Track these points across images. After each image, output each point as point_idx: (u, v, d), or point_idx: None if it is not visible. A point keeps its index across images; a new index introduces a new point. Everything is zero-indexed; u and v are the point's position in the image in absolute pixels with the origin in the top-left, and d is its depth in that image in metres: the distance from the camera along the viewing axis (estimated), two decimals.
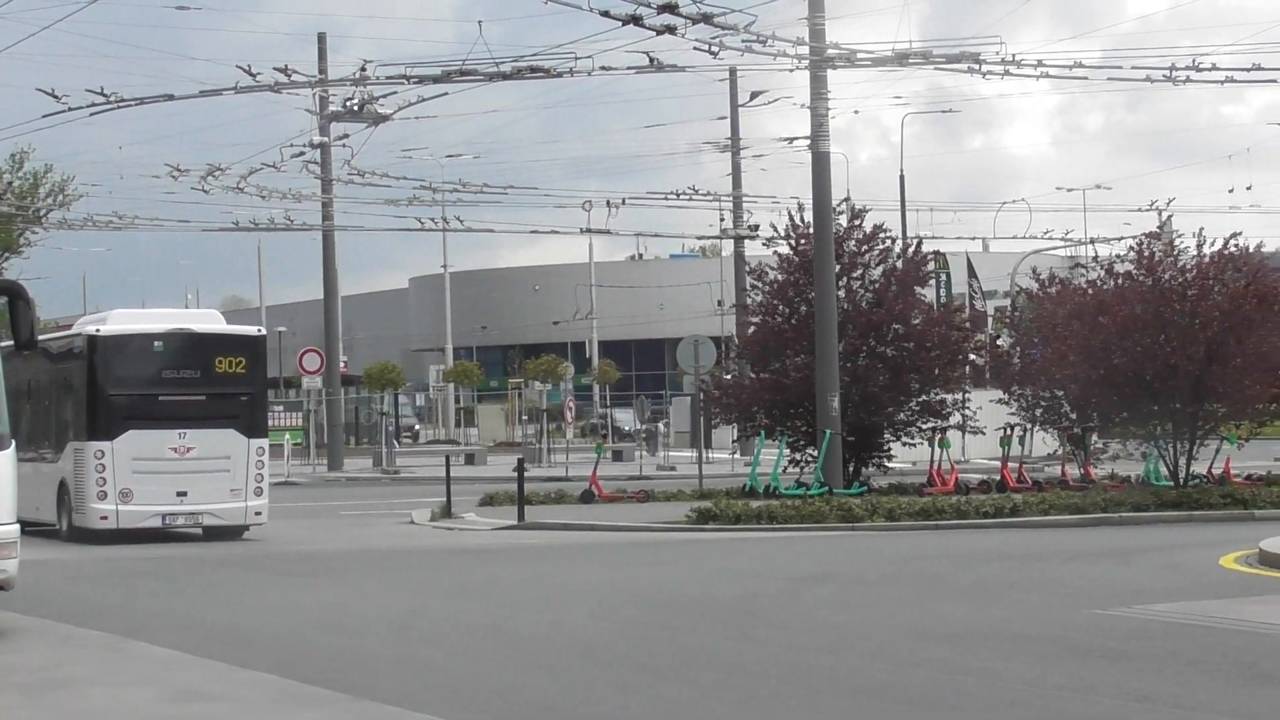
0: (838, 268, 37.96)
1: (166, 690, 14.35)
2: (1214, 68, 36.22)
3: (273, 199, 53.93)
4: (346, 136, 51.09)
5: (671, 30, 31.68)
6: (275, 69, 38.97)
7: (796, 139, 52.32)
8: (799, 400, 38.28)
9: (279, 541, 30.87)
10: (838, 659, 15.60)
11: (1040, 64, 35.74)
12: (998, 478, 39.59)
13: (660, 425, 65.83)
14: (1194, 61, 36.04)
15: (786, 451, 39.14)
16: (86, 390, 30.45)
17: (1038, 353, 39.06)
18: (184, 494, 30.16)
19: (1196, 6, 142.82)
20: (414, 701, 13.48)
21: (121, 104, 39.89)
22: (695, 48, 32.75)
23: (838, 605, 19.80)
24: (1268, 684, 13.97)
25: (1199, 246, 36.36)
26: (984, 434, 41.29)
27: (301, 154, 51.91)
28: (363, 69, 40.10)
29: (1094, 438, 40.54)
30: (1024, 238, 68.90)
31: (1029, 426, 41.03)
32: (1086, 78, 37.10)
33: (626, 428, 65.62)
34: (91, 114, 40.08)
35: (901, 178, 73.24)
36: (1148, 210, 58.19)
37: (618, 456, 62.50)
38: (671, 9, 31.23)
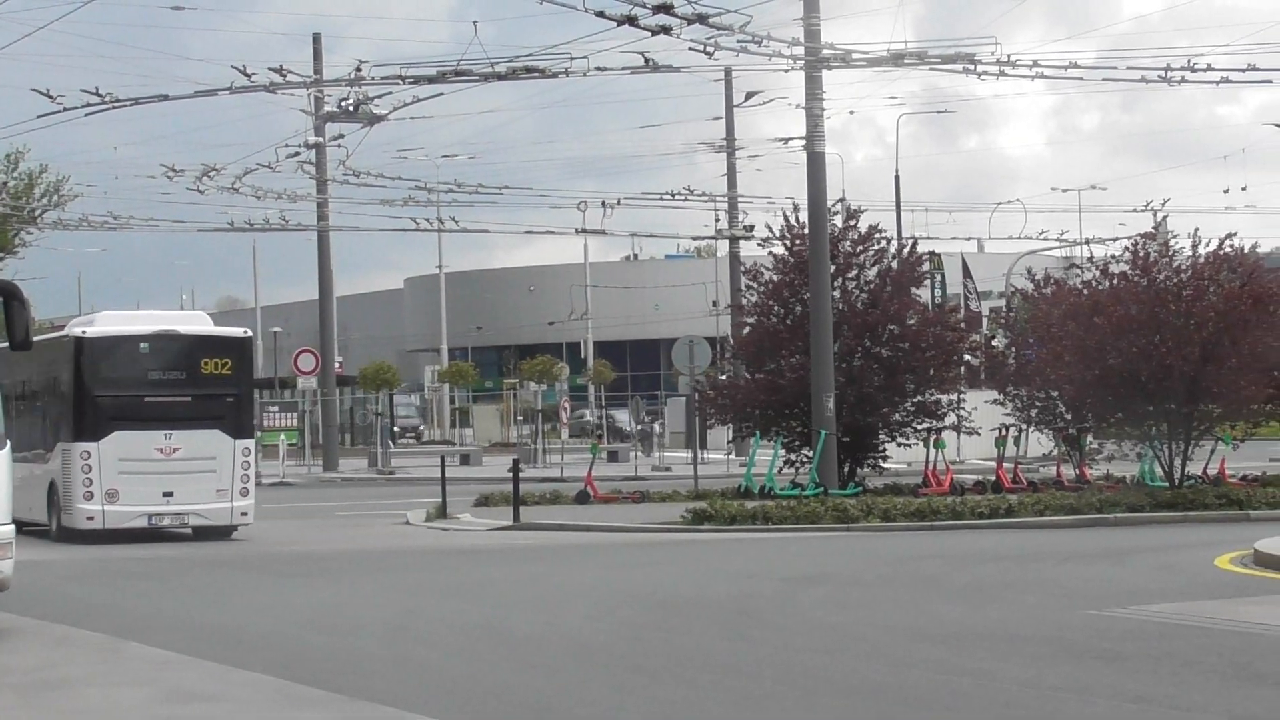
0: (833, 268, 37.98)
1: (161, 691, 14.33)
2: (1209, 68, 36.22)
3: (268, 199, 54.01)
4: (342, 137, 51.08)
5: (667, 30, 31.67)
6: (270, 69, 38.96)
7: (792, 139, 52.28)
8: (794, 401, 38.28)
9: (273, 542, 30.89)
10: (833, 660, 15.59)
11: (1035, 64, 35.74)
12: (993, 478, 39.58)
13: (656, 425, 65.80)
14: (1189, 62, 36.04)
15: (782, 452, 39.16)
16: (73, 392, 30.68)
17: (1033, 353, 39.09)
18: (170, 494, 30.36)
19: (1192, 7, 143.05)
20: (409, 702, 13.47)
21: (116, 104, 39.85)
22: (690, 48, 32.77)
23: (833, 606, 19.80)
24: (1263, 684, 13.97)
25: (1194, 247, 36.44)
26: (979, 435, 41.30)
27: (296, 154, 51.92)
28: (358, 69, 40.07)
29: (1089, 438, 40.58)
30: (1019, 238, 68.90)
31: (1024, 427, 41.06)
32: (1082, 78, 37.10)
33: (627, 428, 65.63)
34: (86, 114, 40.08)
35: (897, 178, 73.35)
36: (1143, 211, 58.27)
37: (613, 457, 62.46)
38: (666, 9, 31.22)
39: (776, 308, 39.69)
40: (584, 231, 59.97)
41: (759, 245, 51.57)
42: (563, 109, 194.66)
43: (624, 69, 35.51)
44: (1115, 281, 36.62)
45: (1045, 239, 68.64)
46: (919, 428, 39.61)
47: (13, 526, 17.93)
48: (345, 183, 54.10)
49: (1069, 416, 39.47)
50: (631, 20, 31.48)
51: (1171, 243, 37.42)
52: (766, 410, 39.33)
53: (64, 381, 31.18)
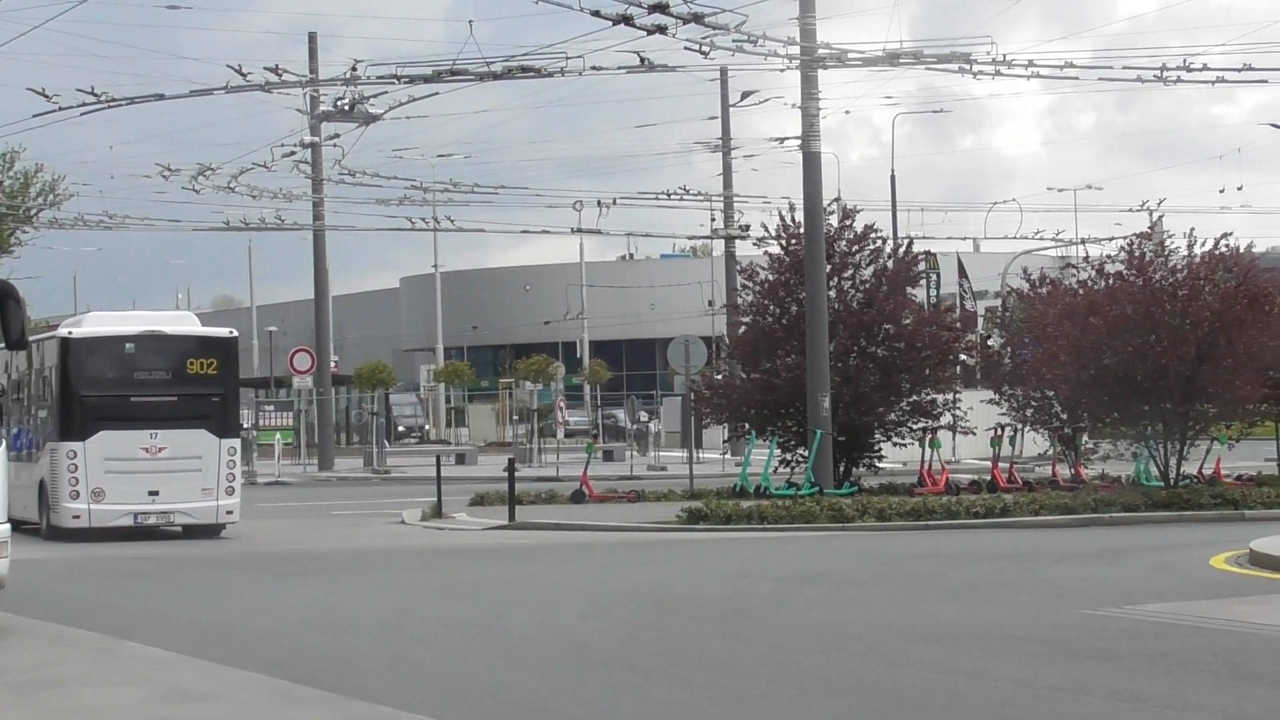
0: (828, 268, 38.00)
1: (157, 690, 14.33)
2: (1205, 68, 36.24)
3: (263, 199, 54.02)
4: (337, 136, 51.05)
5: (662, 30, 31.67)
6: (266, 68, 38.96)
7: (787, 139, 52.27)
8: (790, 400, 38.30)
9: (268, 541, 30.93)
10: (828, 659, 15.59)
11: (1031, 64, 35.75)
12: (988, 478, 39.59)
13: (651, 425, 65.78)
14: (1185, 62, 36.06)
15: (777, 452, 39.15)
16: (59, 391, 30.97)
17: (1028, 353, 39.09)
18: (156, 493, 30.64)
19: (1187, 7, 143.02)
20: (404, 701, 13.47)
21: (112, 103, 39.84)
22: (686, 47, 32.76)
23: (828, 605, 19.80)
24: (1258, 684, 13.97)
25: (1190, 247, 36.40)
26: (975, 434, 41.33)
27: (292, 154, 51.93)
28: (353, 69, 40.05)
29: (1084, 438, 40.59)
30: (1015, 238, 68.92)
31: (1020, 427, 41.07)
32: (1077, 78, 37.13)
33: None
34: (82, 113, 40.08)
35: (892, 178, 73.62)
36: (1139, 210, 58.28)
37: (608, 456, 62.48)
38: (662, 9, 31.22)
39: (772, 307, 39.70)
40: (580, 231, 60.01)
41: (754, 245, 51.56)
42: (558, 108, 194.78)
43: (619, 68, 35.56)
44: (1111, 281, 36.60)
45: (1041, 239, 68.67)
46: (914, 427, 39.63)
47: (8, 525, 17.96)
48: (341, 182, 54.16)
49: (1064, 416, 39.49)
50: (627, 20, 31.48)
51: (1167, 242, 37.42)
52: (762, 410, 39.34)
53: (52, 382, 31.41)
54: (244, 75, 38.65)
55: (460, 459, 62.90)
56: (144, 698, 14.03)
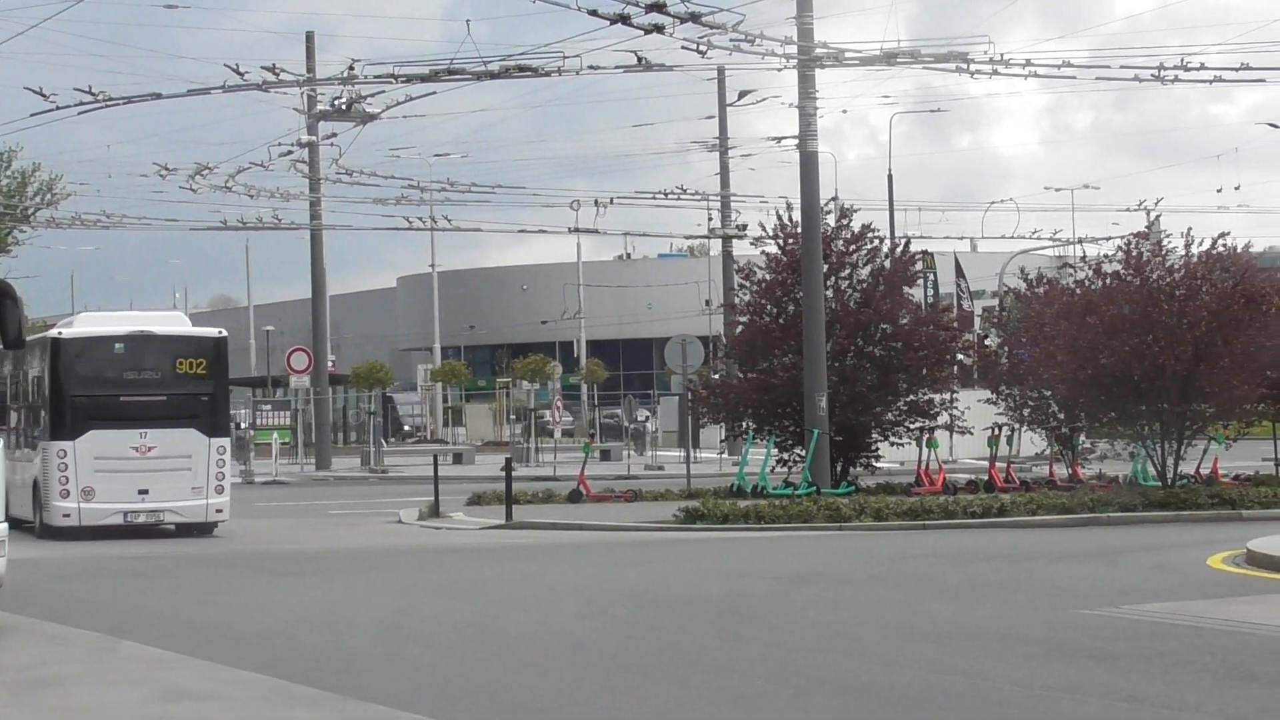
0: (825, 267, 38.00)
1: (154, 689, 14.32)
2: (1202, 67, 36.25)
3: (261, 198, 54.08)
4: (334, 135, 51.11)
5: (659, 29, 31.68)
6: (263, 68, 39.01)
7: (785, 138, 52.39)
8: (787, 400, 38.31)
9: (266, 540, 30.96)
10: (825, 659, 15.59)
11: (1028, 63, 35.75)
12: (985, 478, 39.62)
13: (648, 424, 65.81)
14: (1182, 61, 36.08)
15: (774, 451, 39.17)
16: (50, 392, 31.24)
17: (1025, 353, 39.08)
18: (145, 492, 30.93)
19: (1184, 6, 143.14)
20: (402, 700, 13.47)
21: (109, 103, 39.86)
22: (683, 47, 32.78)
23: (825, 605, 19.80)
24: (1255, 684, 13.98)
25: (1187, 246, 36.40)
26: (972, 434, 41.32)
27: (289, 153, 51.97)
28: (351, 68, 40.06)
29: (1082, 438, 40.59)
30: (1012, 237, 68.99)
31: (1017, 426, 41.05)
32: (1075, 77, 37.14)
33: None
34: (79, 113, 40.12)
35: (890, 177, 73.33)
36: (1136, 210, 58.33)
37: (606, 456, 62.47)
38: (659, 8, 31.22)
39: (769, 307, 39.70)
40: (577, 230, 60.04)
41: (752, 244, 51.72)
42: (556, 108, 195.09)
43: (617, 68, 35.56)
44: (1108, 281, 36.60)
45: (1038, 238, 68.78)
46: (912, 427, 39.65)
47: (5, 525, 17.96)
48: (338, 181, 54.21)
49: (1062, 416, 39.49)
50: (624, 19, 31.49)
51: (1164, 242, 37.43)
52: (759, 409, 39.34)
53: (44, 382, 31.68)
54: (241, 75, 38.68)
55: (457, 459, 62.90)
56: (141, 697, 14.03)
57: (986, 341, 45.62)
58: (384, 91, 41.83)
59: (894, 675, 14.56)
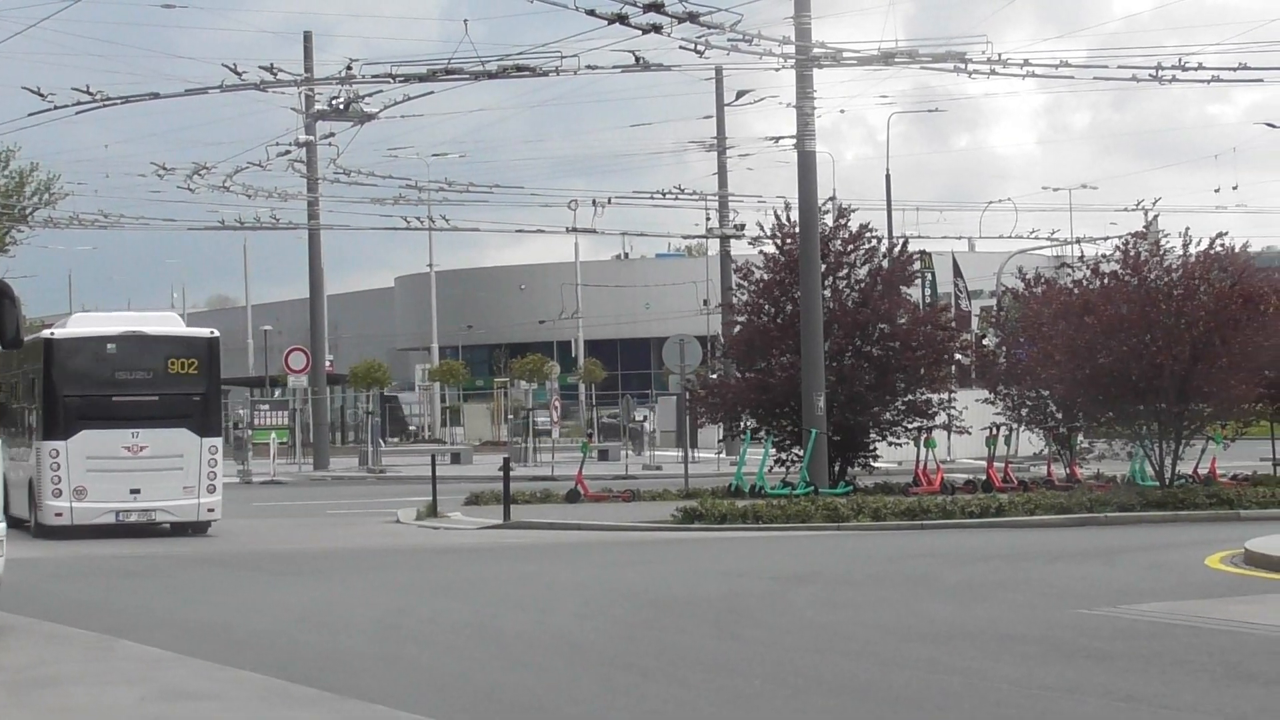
0: (823, 267, 38.01)
1: (152, 689, 14.32)
2: (1200, 67, 36.26)
3: (258, 198, 54.05)
4: (332, 135, 51.08)
5: (657, 29, 31.67)
6: (261, 67, 38.97)
7: (782, 138, 52.45)
8: (785, 400, 38.31)
9: (263, 540, 30.97)
10: (823, 659, 15.60)
11: (1026, 63, 35.76)
12: (983, 477, 39.64)
13: (646, 424, 65.80)
14: (1180, 61, 36.08)
15: (772, 451, 39.17)
16: (43, 392, 31.46)
17: (1023, 352, 39.08)
18: (137, 491, 31.12)
19: (1182, 6, 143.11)
20: (400, 700, 13.47)
21: (107, 102, 39.83)
22: (681, 47, 32.78)
23: (823, 605, 19.80)
24: (1253, 683, 13.98)
25: (1185, 246, 36.39)
26: (970, 434, 41.33)
27: (287, 153, 51.91)
28: (348, 68, 40.05)
29: (1080, 437, 40.58)
30: (1010, 237, 69.13)
31: (1015, 426, 41.06)
32: (1072, 77, 37.15)
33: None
34: (77, 112, 40.09)
35: (887, 177, 73.31)
36: (1134, 210, 58.22)
37: (604, 456, 62.46)
38: (657, 8, 31.22)
39: (767, 306, 39.71)
40: (575, 230, 60.07)
41: (750, 244, 51.75)
42: (553, 108, 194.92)
43: (614, 67, 35.53)
44: (1106, 281, 36.61)
45: (1036, 238, 68.90)
46: (910, 427, 39.66)
47: (4, 524, 17.98)
48: (336, 181, 54.19)
49: (1060, 415, 39.49)
50: (622, 19, 31.49)
51: (1162, 242, 37.43)
52: (757, 409, 39.35)
53: (38, 382, 31.87)
54: (239, 74, 38.65)
55: (455, 458, 62.88)
56: (139, 696, 14.03)
57: (984, 341, 45.63)
58: (382, 91, 41.80)
59: (892, 675, 14.57)
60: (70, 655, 16.40)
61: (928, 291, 63.51)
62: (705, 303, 69.12)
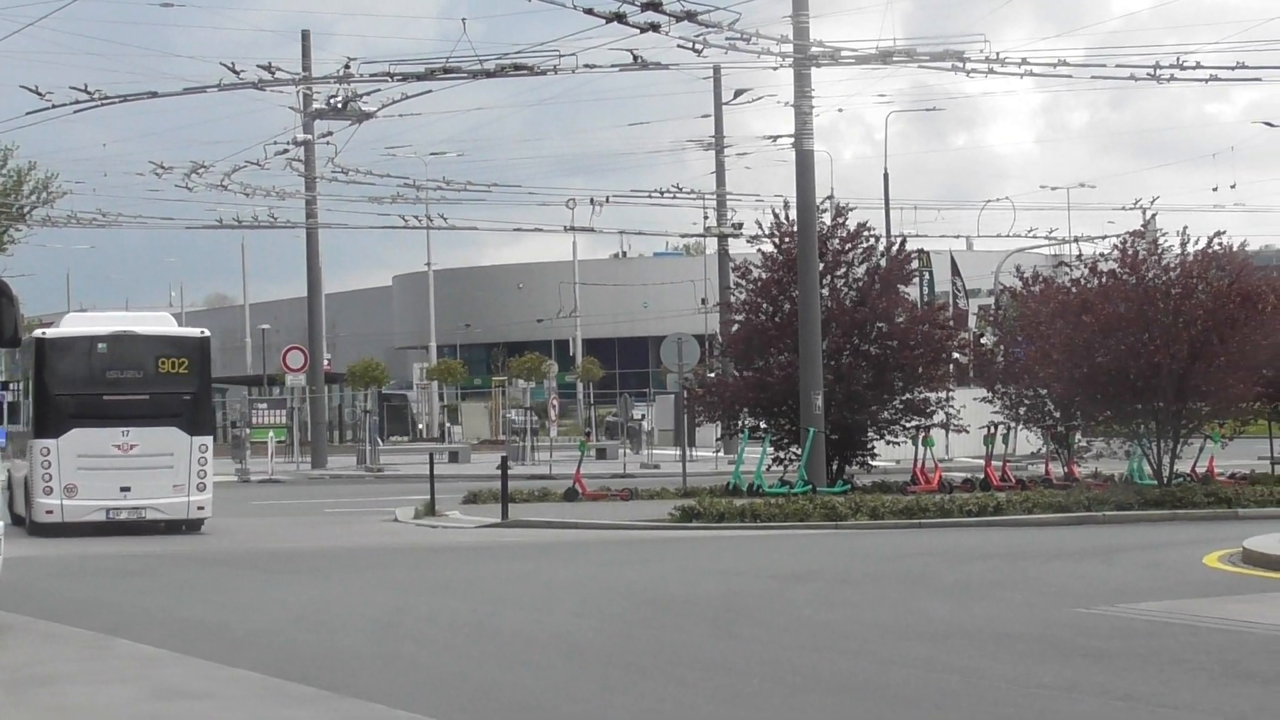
0: (821, 266, 38.01)
1: (149, 687, 14.31)
2: (1198, 66, 36.25)
3: (256, 196, 54.05)
4: (330, 134, 51.06)
5: (655, 28, 31.67)
6: (259, 66, 38.96)
7: (780, 137, 52.38)
8: (783, 398, 38.32)
9: (260, 538, 30.98)
10: (821, 657, 15.59)
11: (1024, 62, 35.76)
12: (981, 476, 39.64)
13: (643, 422, 65.82)
14: (1178, 60, 36.08)
15: (770, 450, 39.16)
16: (34, 391, 31.65)
17: (1021, 351, 39.08)
18: (127, 489, 31.29)
19: (1181, 5, 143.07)
20: (397, 699, 13.46)
21: (106, 101, 39.80)
22: (679, 45, 32.77)
23: (821, 604, 19.79)
24: (1251, 682, 13.97)
25: (1183, 245, 36.40)
26: (968, 432, 41.31)
27: (285, 151, 51.87)
28: (346, 66, 40.04)
29: (1078, 436, 40.59)
30: (1008, 236, 69.06)
31: (1013, 425, 41.06)
32: (1070, 76, 37.13)
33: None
34: (76, 111, 40.07)
35: (885, 176, 73.25)
36: (1132, 209, 58.41)
37: (602, 455, 62.47)
38: (655, 7, 31.21)
39: (765, 305, 39.71)
40: (573, 229, 60.10)
41: (748, 243, 51.69)
42: (551, 106, 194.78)
43: (612, 66, 35.52)
44: (1104, 280, 36.61)
45: (1034, 237, 68.88)
46: (907, 425, 39.66)
47: (2, 523, 18.03)
48: (334, 180, 54.17)
49: (1057, 414, 39.48)
50: (620, 17, 31.48)
51: (1160, 241, 37.45)
52: (755, 408, 39.37)
53: (31, 381, 32.04)
54: (237, 73, 38.63)
55: (453, 457, 62.90)
56: (136, 695, 14.02)
57: (982, 340, 45.62)
58: (379, 90, 41.73)
59: (890, 674, 14.56)
60: (66, 654, 16.38)
61: (926, 290, 63.53)
62: (703, 301, 69.20)
